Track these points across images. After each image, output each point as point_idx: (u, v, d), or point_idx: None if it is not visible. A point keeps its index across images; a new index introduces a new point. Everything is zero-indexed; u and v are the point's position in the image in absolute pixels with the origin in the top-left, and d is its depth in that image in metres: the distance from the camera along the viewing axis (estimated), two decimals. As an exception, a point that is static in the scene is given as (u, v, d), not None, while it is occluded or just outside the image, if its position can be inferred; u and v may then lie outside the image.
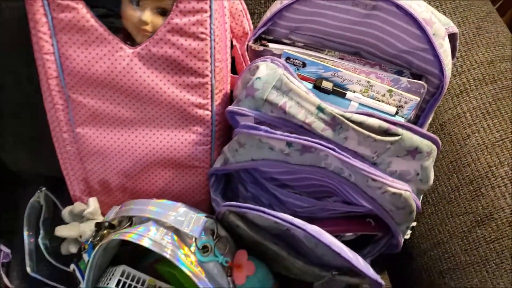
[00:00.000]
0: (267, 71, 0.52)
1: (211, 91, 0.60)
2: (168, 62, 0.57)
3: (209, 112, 0.61)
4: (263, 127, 0.51)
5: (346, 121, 0.49)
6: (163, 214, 0.57)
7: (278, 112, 0.51)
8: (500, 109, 0.65)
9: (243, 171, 0.63)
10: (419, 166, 0.54)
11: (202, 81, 0.59)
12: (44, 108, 0.64)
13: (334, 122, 0.50)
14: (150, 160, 0.64)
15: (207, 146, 0.63)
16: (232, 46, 0.65)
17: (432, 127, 0.68)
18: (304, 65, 0.58)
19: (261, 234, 0.57)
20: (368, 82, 0.57)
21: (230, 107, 0.55)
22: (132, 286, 0.58)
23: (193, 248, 0.56)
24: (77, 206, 0.68)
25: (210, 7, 0.55)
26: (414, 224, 0.64)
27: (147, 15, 0.55)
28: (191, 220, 0.57)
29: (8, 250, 0.80)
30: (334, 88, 0.57)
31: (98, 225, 0.62)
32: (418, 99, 0.57)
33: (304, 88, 0.51)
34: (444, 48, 0.56)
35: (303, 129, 0.52)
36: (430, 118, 0.61)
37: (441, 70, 0.56)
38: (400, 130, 0.51)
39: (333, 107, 0.51)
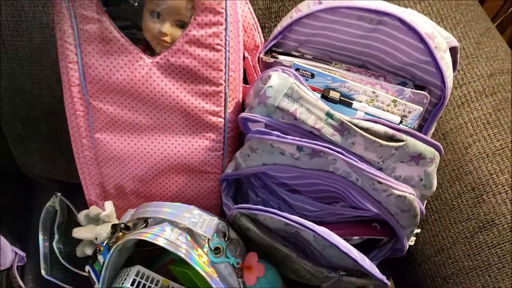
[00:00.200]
0: (278, 80, 0.55)
1: (225, 99, 0.63)
2: (185, 71, 0.60)
3: (222, 119, 0.64)
4: (274, 132, 0.54)
5: (353, 126, 0.52)
6: (178, 215, 0.59)
7: (289, 118, 0.54)
8: (499, 119, 0.67)
9: (254, 176, 0.66)
10: (423, 172, 0.56)
11: (216, 89, 0.62)
12: (61, 115, 0.68)
13: (342, 128, 0.53)
14: (164, 165, 0.67)
15: (219, 152, 0.66)
16: (244, 58, 0.68)
17: (435, 136, 0.70)
18: (312, 76, 0.61)
19: (271, 236, 0.59)
20: (374, 92, 0.60)
21: (243, 114, 0.58)
22: (147, 286, 0.61)
23: (205, 249, 0.59)
24: (93, 209, 0.71)
25: (225, 20, 0.59)
26: (418, 230, 0.66)
27: (167, 27, 0.59)
28: (204, 222, 0.60)
29: (23, 254, 0.83)
30: (341, 98, 0.60)
31: (114, 227, 0.64)
32: (421, 109, 0.60)
33: (313, 95, 0.54)
34: (445, 61, 0.59)
35: (313, 135, 0.54)
36: (433, 128, 0.64)
37: (443, 82, 0.59)
38: (404, 136, 0.53)
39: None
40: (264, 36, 0.71)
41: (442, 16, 0.72)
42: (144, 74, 0.61)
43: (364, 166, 0.52)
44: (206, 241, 0.59)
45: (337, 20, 0.61)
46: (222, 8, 0.58)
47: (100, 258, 0.68)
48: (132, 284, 0.60)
